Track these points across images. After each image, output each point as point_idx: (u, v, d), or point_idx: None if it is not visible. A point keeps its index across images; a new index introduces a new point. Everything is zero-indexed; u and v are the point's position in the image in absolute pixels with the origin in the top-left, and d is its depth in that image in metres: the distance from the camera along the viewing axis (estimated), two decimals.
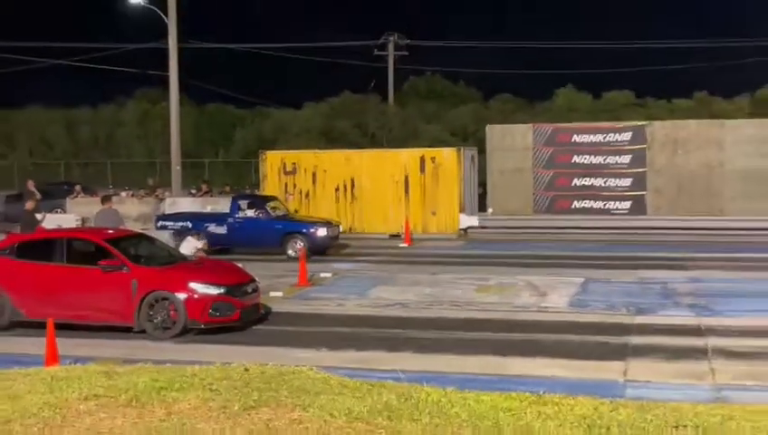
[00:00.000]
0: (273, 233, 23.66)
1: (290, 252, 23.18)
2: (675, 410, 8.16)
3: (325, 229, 24.08)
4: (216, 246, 23.76)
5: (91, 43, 51.43)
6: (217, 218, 24.62)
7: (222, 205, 29.23)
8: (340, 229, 25.82)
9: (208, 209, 27.31)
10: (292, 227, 24.11)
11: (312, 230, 23.86)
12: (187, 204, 29.71)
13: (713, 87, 48.02)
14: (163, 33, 32.99)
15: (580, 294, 16.97)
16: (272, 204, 25.11)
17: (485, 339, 13.09)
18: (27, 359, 11.31)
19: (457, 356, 11.96)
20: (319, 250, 23.72)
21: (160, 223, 24.69)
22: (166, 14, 32.40)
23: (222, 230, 24.13)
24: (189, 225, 24.10)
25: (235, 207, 24.70)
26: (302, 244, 23.21)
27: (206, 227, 24.01)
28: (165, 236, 19.73)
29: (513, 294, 17.08)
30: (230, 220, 24.31)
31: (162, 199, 30.99)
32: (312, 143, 41.08)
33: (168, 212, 28.25)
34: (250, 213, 24.39)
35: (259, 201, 25.27)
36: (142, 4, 32.91)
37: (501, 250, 25.00)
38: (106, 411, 8.00)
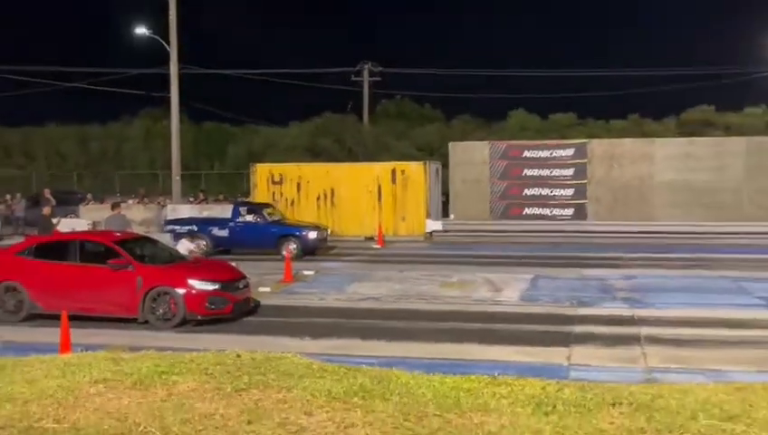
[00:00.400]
0: (270, 236, 23.47)
1: (284, 253, 23.02)
2: (611, 390, 8.21)
3: (315, 232, 23.95)
4: (219, 247, 23.73)
5: (102, 68, 51.06)
6: (220, 223, 24.45)
7: (216, 211, 29.09)
8: (329, 233, 25.70)
9: (204, 215, 27.20)
10: (286, 230, 23.92)
11: (304, 233, 23.72)
12: (186, 210, 29.55)
13: (644, 110, 48.41)
14: (165, 60, 32.82)
15: (530, 289, 17.01)
16: (268, 210, 24.96)
17: (448, 328, 13.09)
18: (43, 347, 11.17)
19: (424, 343, 11.95)
20: (310, 251, 23.60)
21: (170, 226, 24.57)
22: (168, 43, 32.28)
23: (224, 233, 23.95)
24: (196, 228, 24.08)
25: (236, 213, 24.50)
26: (295, 245, 23.10)
27: (211, 230, 23.96)
28: (166, 239, 19.63)
29: (473, 289, 17.08)
30: (231, 224, 24.10)
31: (164, 206, 30.81)
32: (296, 157, 40.86)
33: (169, 217, 28.10)
34: (249, 218, 24.21)
35: (257, 208, 25.06)
36: (147, 34, 32.74)
37: (462, 251, 25.07)
38: (113, 393, 7.94)
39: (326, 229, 25.38)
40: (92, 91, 46.52)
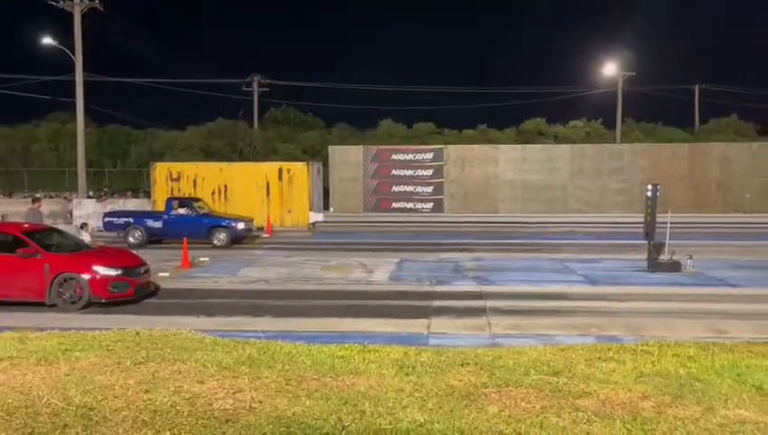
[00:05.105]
0: (201, 227, 22.31)
1: (215, 241, 22.05)
2: (461, 353, 8.44)
3: (243, 223, 23.00)
4: (154, 237, 22.61)
5: (12, 74, 47.51)
6: (155, 215, 23.21)
7: (118, 204, 27.84)
8: (253, 224, 24.69)
9: (108, 208, 25.96)
10: (216, 222, 22.79)
11: (233, 224, 22.70)
12: (91, 204, 28.18)
13: (490, 122, 50.15)
14: (72, 68, 31.07)
15: (397, 270, 17.20)
16: (198, 204, 23.65)
17: (328, 305, 13.04)
18: None
19: (306, 319, 11.87)
20: (238, 240, 22.75)
21: (107, 219, 23.12)
22: (74, 53, 30.58)
23: (158, 225, 22.61)
24: (132, 220, 22.80)
25: (170, 207, 23.04)
26: (224, 235, 22.20)
27: (146, 222, 22.66)
28: (72, 230, 18.61)
29: (349, 271, 17.13)
30: (165, 217, 22.76)
31: (70, 201, 29.23)
32: (192, 157, 39.76)
33: (75, 211, 26.70)
34: (182, 211, 22.82)
35: (188, 202, 23.61)
36: (54, 44, 30.87)
37: (340, 239, 25.06)
38: (18, 370, 7.45)
39: (251, 220, 24.27)
40: (3, 96, 43.38)
